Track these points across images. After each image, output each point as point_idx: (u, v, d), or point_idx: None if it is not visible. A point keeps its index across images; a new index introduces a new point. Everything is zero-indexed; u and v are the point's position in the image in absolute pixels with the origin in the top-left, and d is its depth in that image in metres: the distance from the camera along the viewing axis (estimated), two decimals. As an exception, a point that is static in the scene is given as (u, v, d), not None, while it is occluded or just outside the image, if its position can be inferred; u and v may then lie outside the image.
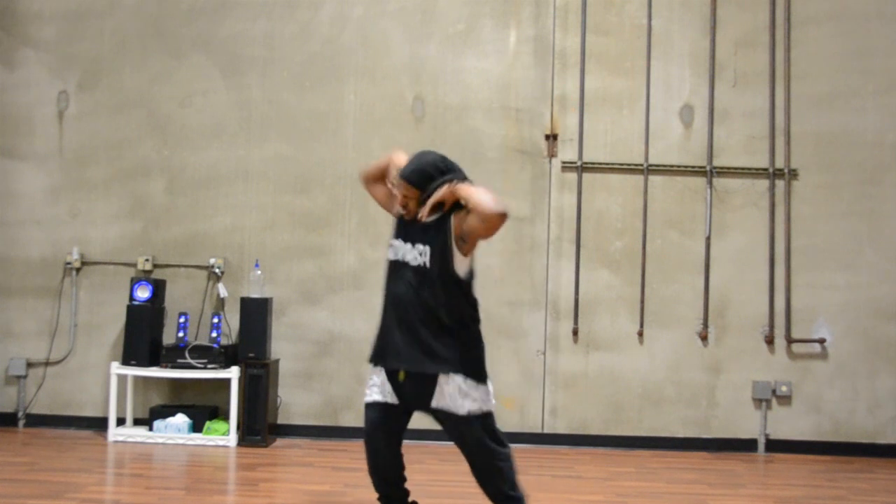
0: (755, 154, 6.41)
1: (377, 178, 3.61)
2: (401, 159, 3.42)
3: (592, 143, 6.43)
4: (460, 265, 3.28)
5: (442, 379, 3.22)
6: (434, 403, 3.24)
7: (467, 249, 3.28)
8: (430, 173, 3.28)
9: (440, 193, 3.21)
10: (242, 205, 6.46)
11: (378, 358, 3.39)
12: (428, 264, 3.26)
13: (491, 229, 3.17)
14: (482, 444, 3.25)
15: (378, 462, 3.41)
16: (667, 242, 6.39)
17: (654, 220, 6.39)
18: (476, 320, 3.37)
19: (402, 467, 3.48)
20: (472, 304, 3.37)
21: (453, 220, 3.28)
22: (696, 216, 6.40)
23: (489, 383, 3.32)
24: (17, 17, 6.55)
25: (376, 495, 3.54)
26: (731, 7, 6.46)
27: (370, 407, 3.39)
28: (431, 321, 3.24)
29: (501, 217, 3.13)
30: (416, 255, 3.28)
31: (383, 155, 3.60)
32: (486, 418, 3.26)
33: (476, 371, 3.25)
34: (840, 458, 6.15)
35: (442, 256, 3.26)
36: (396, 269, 3.38)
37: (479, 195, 3.15)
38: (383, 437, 3.37)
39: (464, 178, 3.31)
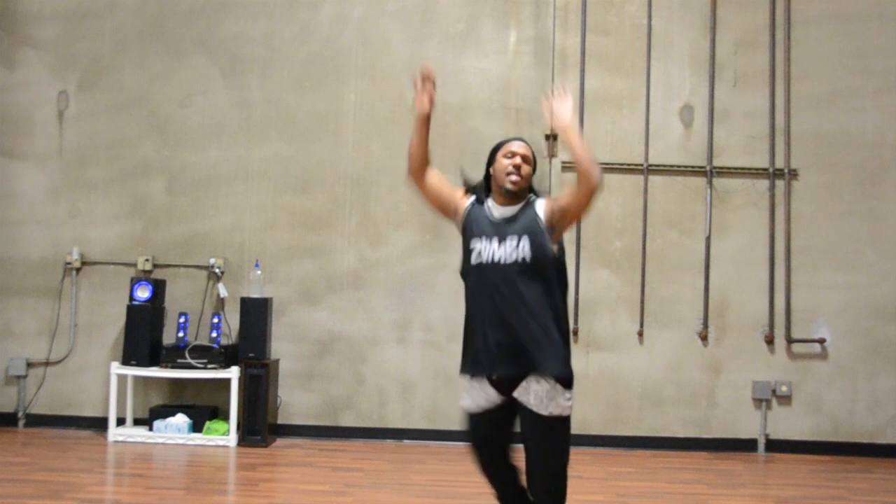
0: (755, 154, 6.40)
1: (423, 158, 3.23)
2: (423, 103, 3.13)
3: (592, 143, 6.40)
4: (554, 254, 3.14)
5: (533, 377, 3.08)
6: (517, 395, 3.10)
7: (556, 238, 3.15)
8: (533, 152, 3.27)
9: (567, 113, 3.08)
10: (242, 205, 6.46)
11: (475, 369, 3.16)
12: (528, 259, 3.07)
13: (588, 202, 3.06)
14: (554, 447, 3.13)
15: (491, 466, 3.27)
16: (667, 242, 6.39)
17: (654, 220, 6.39)
18: (567, 317, 3.22)
19: (512, 462, 3.31)
20: (566, 299, 3.21)
21: (540, 207, 3.16)
22: (696, 216, 6.40)
23: (573, 388, 3.17)
24: (17, 17, 6.55)
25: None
26: (731, 7, 6.46)
27: (472, 417, 3.22)
28: (532, 320, 3.07)
29: (597, 188, 3.01)
30: (510, 250, 3.08)
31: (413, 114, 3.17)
32: (564, 423, 3.13)
33: (567, 376, 3.11)
34: (840, 458, 6.15)
35: (538, 247, 3.09)
36: (487, 271, 3.10)
37: (585, 148, 3.03)
38: (499, 439, 3.24)
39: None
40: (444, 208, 3.29)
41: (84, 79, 6.53)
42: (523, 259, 3.07)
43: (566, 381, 3.09)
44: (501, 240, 3.11)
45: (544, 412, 3.06)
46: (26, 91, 6.52)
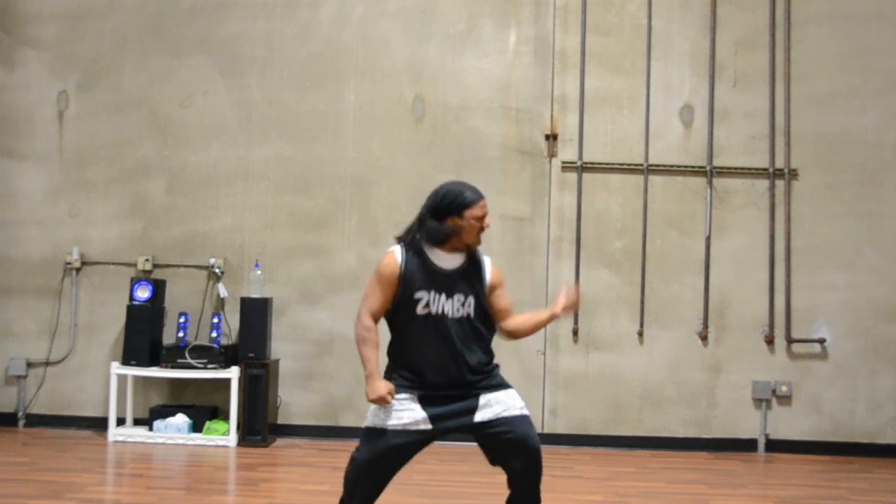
0: (755, 154, 6.41)
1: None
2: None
3: (592, 143, 6.43)
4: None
5: (483, 397, 3.28)
6: (481, 417, 3.23)
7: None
8: None
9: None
10: (242, 205, 6.46)
11: (422, 388, 3.30)
12: (472, 315, 3.30)
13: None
14: (537, 442, 3.26)
15: (377, 492, 3.34)
16: (667, 242, 6.39)
17: (654, 220, 6.39)
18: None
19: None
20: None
21: (487, 271, 3.37)
22: (696, 216, 6.40)
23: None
24: (17, 17, 6.55)
25: None
26: (731, 7, 6.46)
27: (395, 434, 3.21)
28: (474, 361, 3.29)
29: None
30: (458, 306, 3.27)
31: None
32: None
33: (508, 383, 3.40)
34: (840, 458, 6.15)
35: (481, 306, 3.33)
36: (437, 322, 3.26)
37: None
38: (396, 467, 3.29)
39: None
40: (392, 294, 3.31)
41: (84, 79, 6.53)
42: (468, 315, 3.28)
43: (509, 386, 3.36)
44: (450, 295, 3.27)
45: (519, 410, 3.26)
46: (26, 91, 6.52)
